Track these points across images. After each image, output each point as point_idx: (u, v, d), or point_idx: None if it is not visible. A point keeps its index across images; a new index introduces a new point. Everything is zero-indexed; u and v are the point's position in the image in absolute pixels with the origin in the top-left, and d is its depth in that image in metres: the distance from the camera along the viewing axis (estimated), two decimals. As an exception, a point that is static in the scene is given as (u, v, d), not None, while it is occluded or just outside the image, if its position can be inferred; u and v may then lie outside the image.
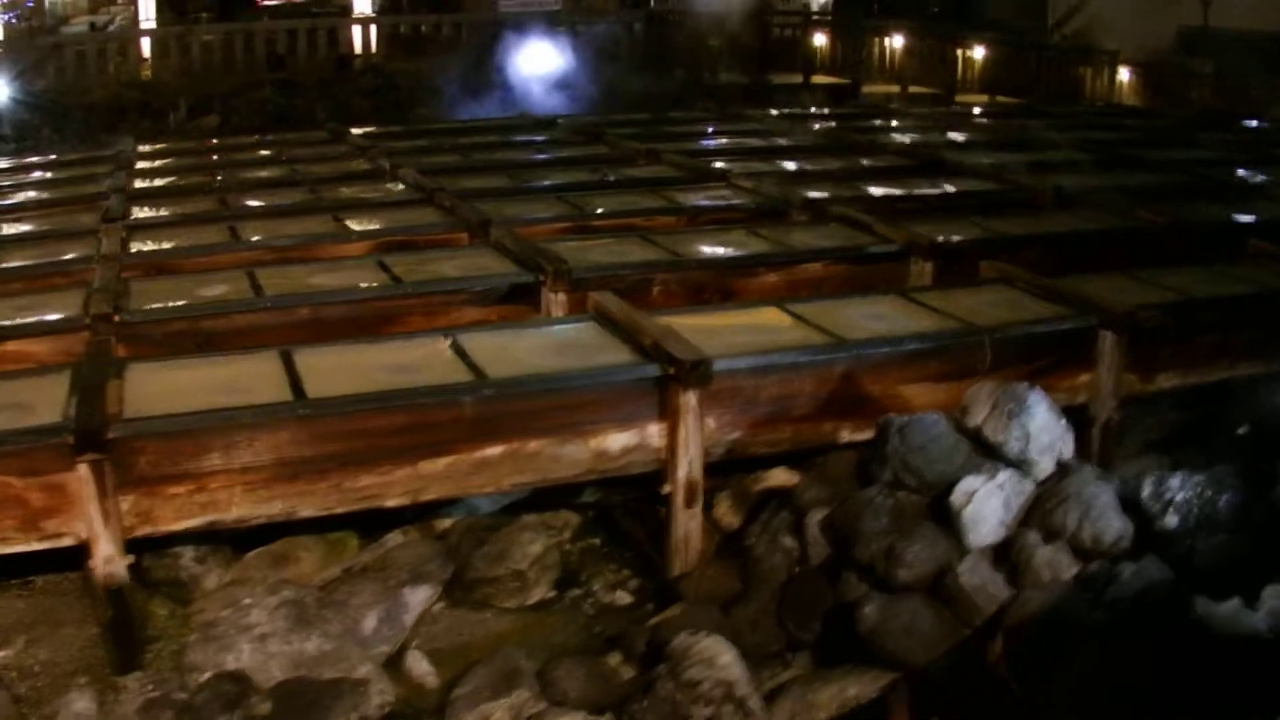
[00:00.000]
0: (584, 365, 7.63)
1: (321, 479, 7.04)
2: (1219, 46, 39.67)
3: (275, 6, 42.20)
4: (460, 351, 7.86)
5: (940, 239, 10.59)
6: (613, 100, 26.47)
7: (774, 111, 20.63)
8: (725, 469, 8.03)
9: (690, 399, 7.25)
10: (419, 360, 7.78)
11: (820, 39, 34.63)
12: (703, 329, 8.09)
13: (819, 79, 32.88)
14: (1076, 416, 8.37)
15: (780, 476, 8.09)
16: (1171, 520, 6.64)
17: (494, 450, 7.24)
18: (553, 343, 8.12)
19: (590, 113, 23.00)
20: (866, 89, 31.21)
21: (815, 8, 42.11)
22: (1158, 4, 44.01)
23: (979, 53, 31.48)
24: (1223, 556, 6.24)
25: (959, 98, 29.47)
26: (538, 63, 29.88)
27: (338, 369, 7.63)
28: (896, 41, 32.34)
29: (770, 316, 8.60)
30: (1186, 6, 43.35)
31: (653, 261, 10.21)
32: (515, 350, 7.93)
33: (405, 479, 7.18)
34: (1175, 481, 6.74)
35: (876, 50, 33.07)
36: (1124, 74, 33.23)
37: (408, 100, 29.20)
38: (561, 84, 28.83)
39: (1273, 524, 6.45)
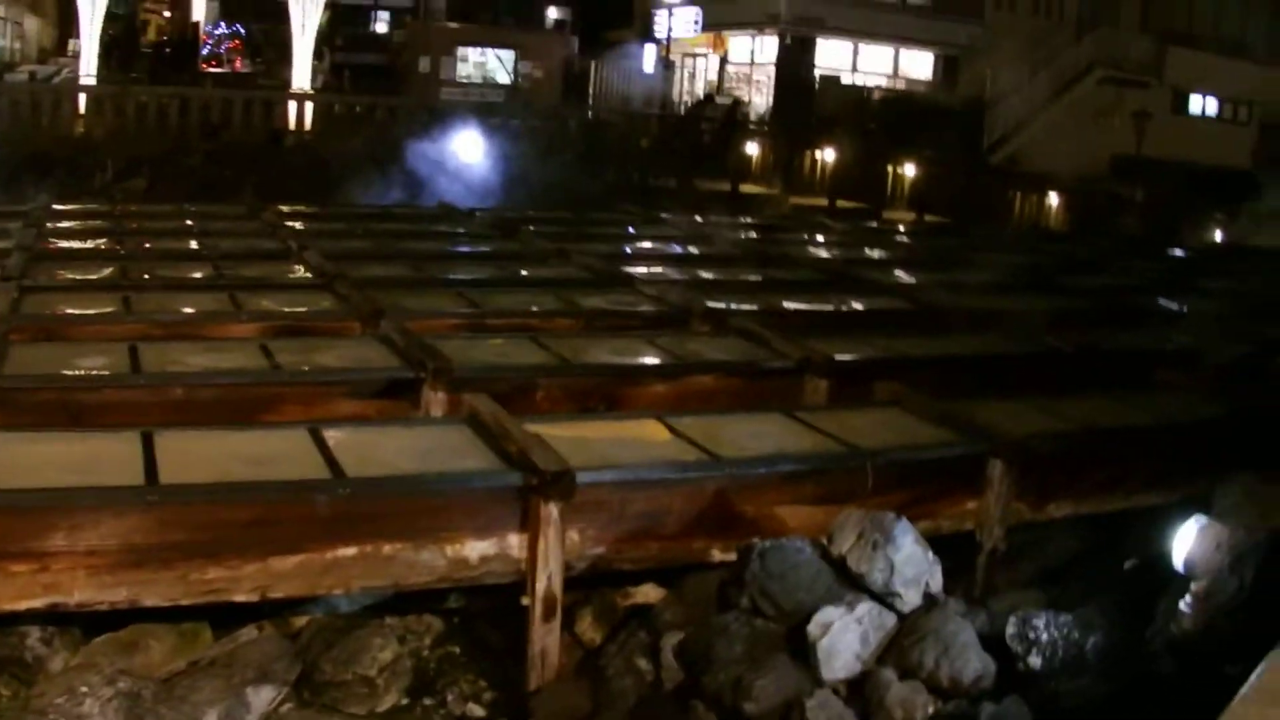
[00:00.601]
0: (446, 469, 7.37)
1: (167, 568, 6.72)
2: (1151, 175, 40.23)
3: (219, 74, 42.13)
4: (324, 446, 7.60)
5: (837, 356, 10.44)
6: (541, 196, 26.34)
7: (696, 218, 20.60)
8: (593, 582, 7.81)
9: (552, 511, 7.00)
10: (281, 452, 7.52)
11: (753, 148, 34.70)
12: (577, 439, 7.88)
13: (748, 188, 32.85)
14: (964, 543, 8.25)
15: (648, 593, 7.89)
16: (1035, 661, 6.48)
17: (347, 551, 6.96)
18: (420, 444, 7.85)
19: (517, 207, 22.88)
20: (795, 200, 31.17)
21: (754, 117, 42.32)
22: (1093, 132, 44.69)
23: (909, 170, 31.59)
24: (1087, 700, 6.08)
25: (887, 214, 29.57)
26: (470, 153, 29.75)
27: (197, 455, 7.36)
28: (828, 155, 32.42)
29: (649, 429, 8.38)
30: (1120, 135, 44.04)
31: (539, 365, 10.02)
32: (381, 449, 7.68)
33: (254, 574, 6.88)
34: (1041, 621, 6.58)
35: (807, 162, 33.17)
36: (1053, 198, 33.40)
37: (335, 180, 28.96)
38: (491, 176, 28.66)
39: (1143, 667, 6.29)
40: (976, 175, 34.48)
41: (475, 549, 7.17)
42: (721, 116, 38.88)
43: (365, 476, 7.15)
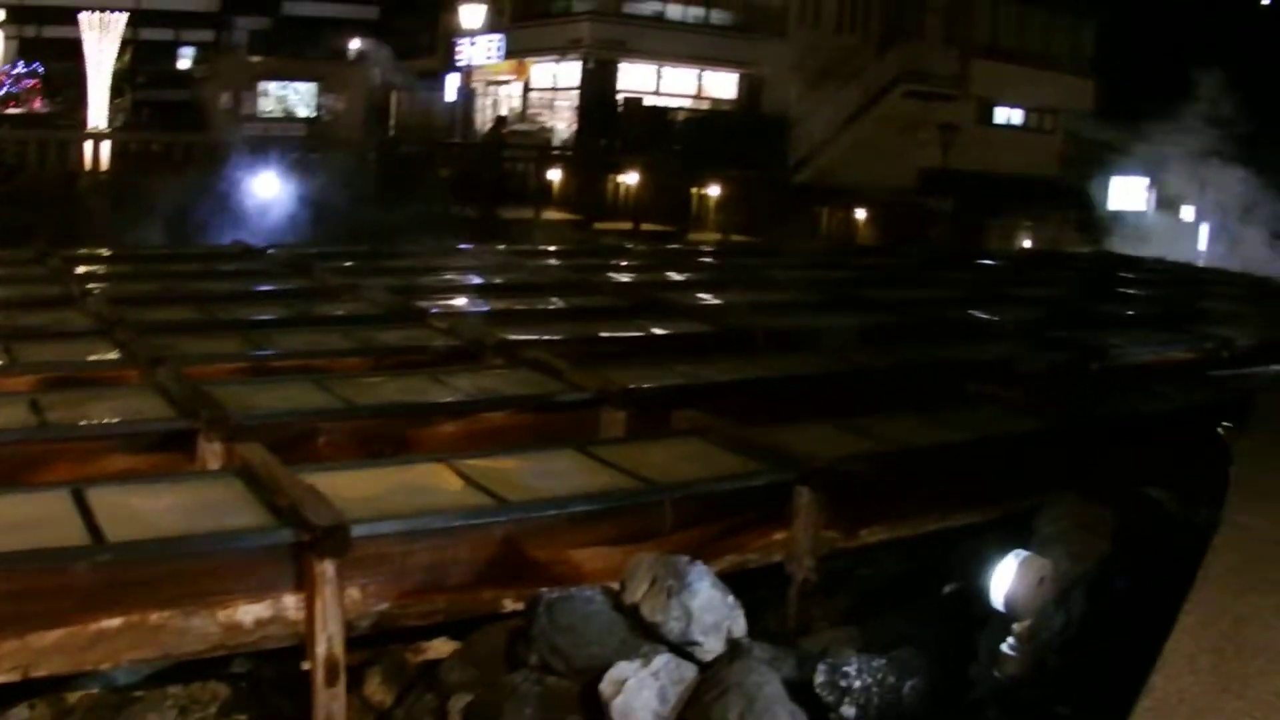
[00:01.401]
0: (214, 528, 6.88)
1: (-86, 651, 6.22)
2: (959, 186, 40.74)
3: (17, 115, 41.15)
4: (86, 508, 7.08)
5: (634, 386, 10.10)
6: (342, 230, 25.87)
7: (495, 247, 20.23)
8: (381, 640, 7.39)
9: (328, 568, 6.53)
10: (41, 516, 6.96)
11: (556, 174, 34.40)
12: (357, 487, 7.47)
13: (552, 215, 32.54)
14: (774, 575, 7.95)
15: (441, 648, 7.48)
16: (849, 711, 6.17)
17: (112, 622, 6.43)
18: (189, 501, 7.32)
19: (318, 241, 22.39)
20: (600, 225, 30.94)
21: (557, 142, 42.12)
22: (900, 145, 45.13)
23: (714, 191, 31.49)
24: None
25: (693, 235, 29.46)
26: (270, 189, 29.22)
27: (-52, 524, 6.83)
28: (631, 179, 32.21)
29: (435, 474, 7.95)
30: (928, 148, 44.51)
31: (321, 409, 9.49)
32: (147, 508, 7.15)
33: (12, 652, 6.32)
34: (852, 668, 6.27)
35: (611, 186, 32.95)
36: (861, 213, 33.57)
37: (131, 221, 28.22)
38: (291, 211, 28.17)
39: (968, 715, 6.04)
40: (782, 193, 34.47)
41: (249, 613, 6.70)
42: (485, 137, 38.61)
43: (126, 540, 6.64)
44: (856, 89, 44.14)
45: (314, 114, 44.40)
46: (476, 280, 16.16)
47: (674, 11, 43.56)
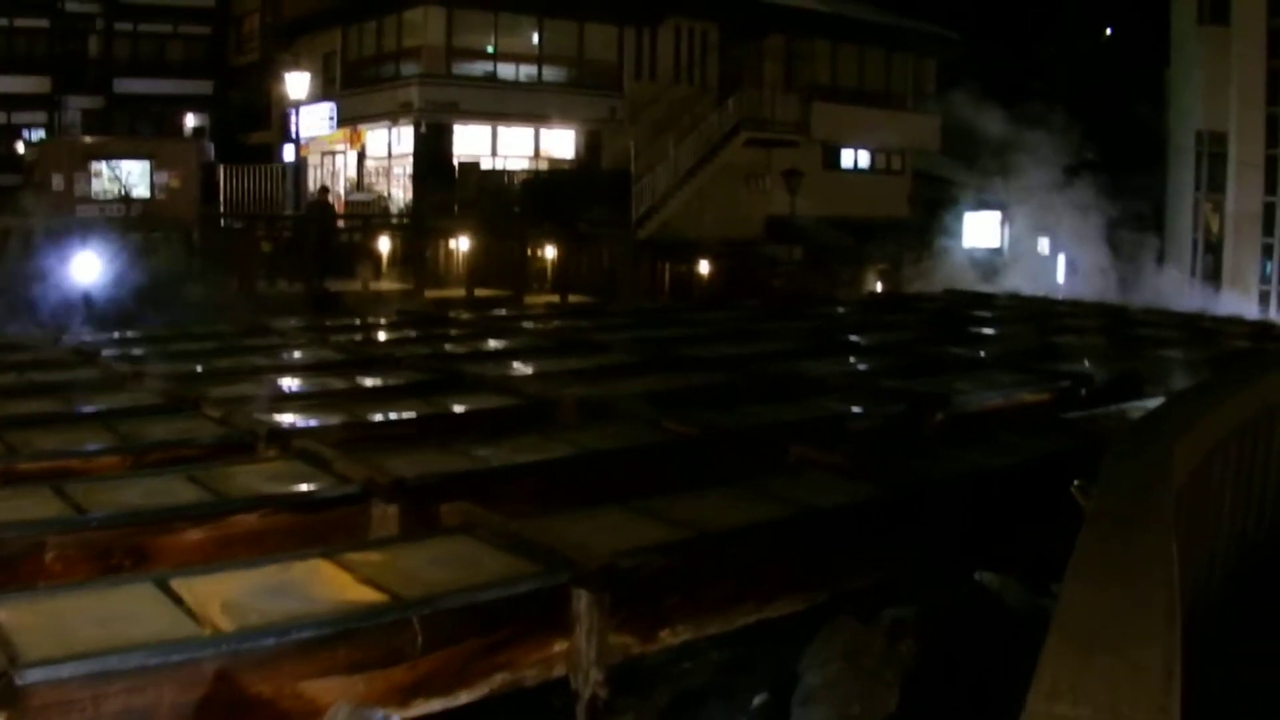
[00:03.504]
0: None
1: None
2: (806, 233, 40.27)
3: None
4: None
5: (406, 476, 8.92)
6: (161, 311, 24.53)
7: (309, 322, 19.03)
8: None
9: (-5, 723, 5.38)
10: None
11: (387, 243, 33.24)
12: (54, 618, 6.34)
13: (382, 285, 31.34)
14: (558, 692, 6.91)
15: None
16: None
17: None
18: None
19: (129, 324, 20.99)
20: (432, 294, 29.80)
21: (395, 209, 41.15)
22: (745, 194, 44.58)
23: (551, 252, 30.61)
24: None
25: (529, 299, 28.51)
26: (90, 271, 27.86)
27: None
28: (465, 243, 31.22)
29: (144, 598, 6.75)
30: (774, 196, 43.95)
31: (50, 520, 8.24)
32: None
33: None
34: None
35: (444, 253, 31.90)
36: (705, 266, 32.85)
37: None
38: (110, 294, 26.83)
39: None
40: (623, 250, 33.60)
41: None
42: (308, 207, 37.60)
43: None
44: (697, 139, 43.39)
45: (148, 193, 43.14)
46: (269, 361, 14.91)
47: (506, 71, 42.65)
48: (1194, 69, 49.62)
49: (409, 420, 11.57)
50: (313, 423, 11.04)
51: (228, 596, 6.73)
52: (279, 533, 8.48)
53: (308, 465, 9.45)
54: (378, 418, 11.61)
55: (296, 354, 15.48)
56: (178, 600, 6.66)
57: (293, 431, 10.51)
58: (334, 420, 11.22)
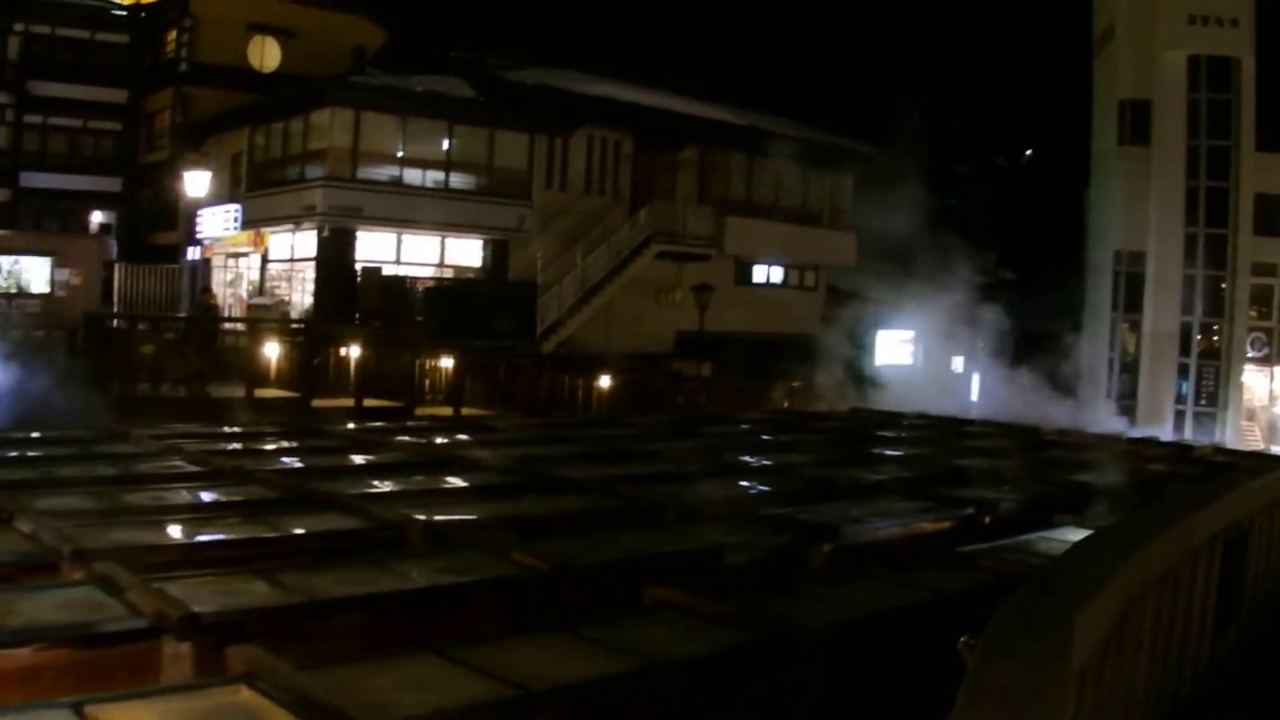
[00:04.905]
0: None
1: None
2: (715, 348, 39.78)
3: None
4: None
5: (206, 609, 7.83)
6: (35, 415, 23.49)
7: (168, 430, 17.84)
8: None
9: None
10: None
11: (277, 349, 32.19)
12: None
13: (267, 392, 30.32)
14: None
15: None
16: None
17: None
18: None
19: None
20: (318, 403, 28.82)
21: (296, 314, 40.34)
22: (655, 308, 44.05)
23: (447, 362, 29.74)
24: None
25: (421, 410, 27.64)
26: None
27: None
28: (355, 352, 30.30)
29: None
30: (685, 310, 43.41)
31: None
32: None
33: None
34: None
35: (334, 361, 30.90)
36: (606, 380, 32.15)
37: None
38: (-10, 396, 25.88)
39: None
40: (524, 362, 32.82)
41: None
42: (191, 310, 36.79)
43: None
44: (607, 251, 42.92)
45: (48, 289, 42.23)
46: (113, 471, 13.78)
47: (412, 176, 42.03)
48: (1113, 189, 49.86)
49: (237, 542, 10.47)
50: (129, 541, 9.94)
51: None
52: (54, 671, 7.41)
53: (104, 593, 8.38)
54: (203, 538, 10.50)
55: (144, 465, 14.36)
56: None
57: (99, 552, 9.40)
58: (151, 540, 10.15)
